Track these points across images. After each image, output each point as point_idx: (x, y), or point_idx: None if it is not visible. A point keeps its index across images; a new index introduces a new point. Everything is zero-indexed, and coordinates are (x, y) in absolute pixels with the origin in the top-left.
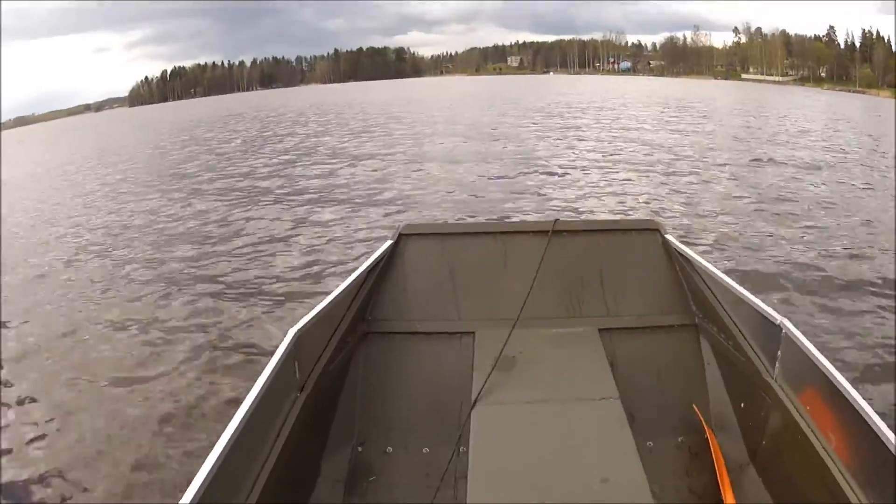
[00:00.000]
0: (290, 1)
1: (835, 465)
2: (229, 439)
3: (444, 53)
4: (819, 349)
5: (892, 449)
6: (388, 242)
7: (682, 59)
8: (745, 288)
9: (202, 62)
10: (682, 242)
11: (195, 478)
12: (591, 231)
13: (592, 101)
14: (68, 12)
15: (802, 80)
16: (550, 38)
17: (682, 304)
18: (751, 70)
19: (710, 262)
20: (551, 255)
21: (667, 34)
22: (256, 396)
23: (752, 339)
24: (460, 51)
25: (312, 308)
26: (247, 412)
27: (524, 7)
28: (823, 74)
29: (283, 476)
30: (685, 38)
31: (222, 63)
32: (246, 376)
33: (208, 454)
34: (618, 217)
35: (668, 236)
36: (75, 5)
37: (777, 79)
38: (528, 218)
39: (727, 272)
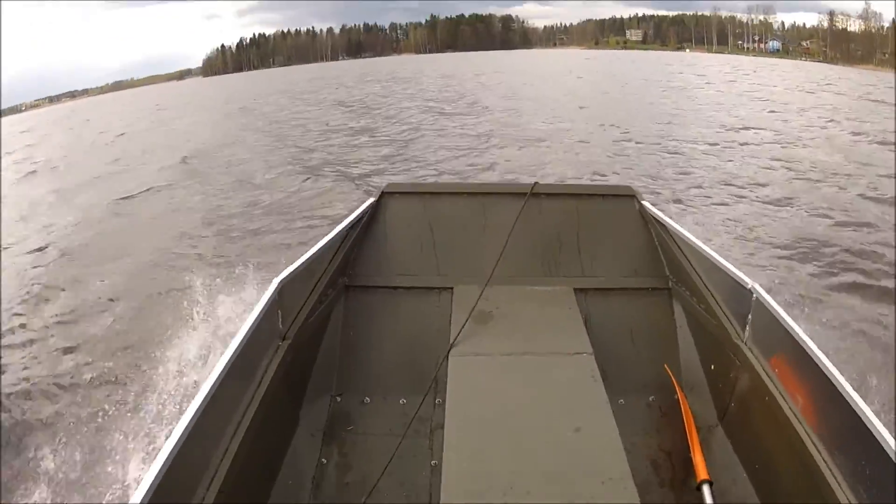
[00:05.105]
0: None
1: (801, 427)
2: (214, 383)
3: (559, 24)
4: (789, 314)
5: (857, 410)
6: (371, 200)
7: (843, 42)
8: (718, 253)
9: (310, 28)
10: (658, 209)
11: (178, 422)
12: (568, 195)
13: None
14: None
15: None
16: (671, 13)
17: (657, 268)
18: None
19: (684, 227)
20: (529, 216)
21: (819, 14)
22: (241, 341)
23: (723, 303)
24: (574, 23)
25: (295, 260)
26: (231, 357)
27: None
28: None
29: (264, 423)
30: (829, 19)
31: (307, 30)
32: None
33: (192, 399)
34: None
35: (645, 202)
36: None
37: None
38: None
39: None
